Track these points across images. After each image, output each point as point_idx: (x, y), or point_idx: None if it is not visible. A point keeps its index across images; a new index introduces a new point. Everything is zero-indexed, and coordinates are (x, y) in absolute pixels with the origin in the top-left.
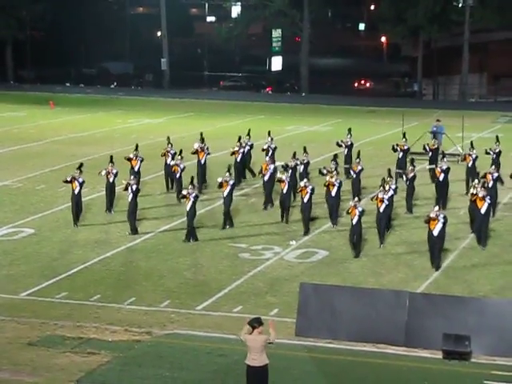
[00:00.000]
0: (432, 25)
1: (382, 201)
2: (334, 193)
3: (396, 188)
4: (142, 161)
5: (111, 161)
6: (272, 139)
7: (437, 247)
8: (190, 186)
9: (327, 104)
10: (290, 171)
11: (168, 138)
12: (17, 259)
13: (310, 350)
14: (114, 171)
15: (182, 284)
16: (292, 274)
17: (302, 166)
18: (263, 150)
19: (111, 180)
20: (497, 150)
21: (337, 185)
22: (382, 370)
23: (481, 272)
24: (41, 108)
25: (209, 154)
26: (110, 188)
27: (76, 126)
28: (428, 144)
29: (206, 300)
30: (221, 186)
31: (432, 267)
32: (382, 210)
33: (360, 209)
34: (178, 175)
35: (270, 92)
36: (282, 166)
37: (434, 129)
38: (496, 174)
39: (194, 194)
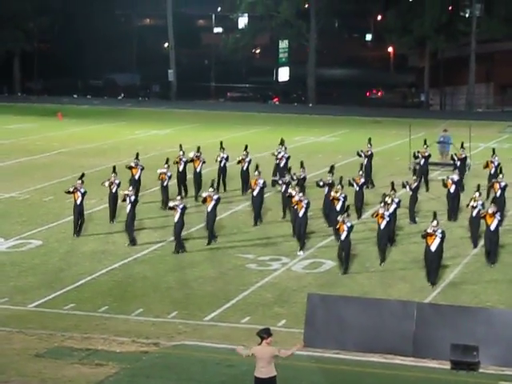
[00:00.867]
0: (439, 35)
1: (382, 217)
2: (338, 207)
3: (399, 201)
4: (142, 169)
5: (114, 171)
6: (286, 148)
7: (434, 263)
8: (178, 198)
9: (334, 115)
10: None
11: (180, 145)
12: (24, 271)
13: (317, 360)
14: (117, 181)
15: (190, 295)
16: (299, 285)
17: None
18: (277, 158)
19: (114, 190)
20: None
21: (341, 200)
22: (390, 380)
23: (488, 282)
24: (48, 120)
25: (204, 162)
26: (113, 198)
27: (83, 137)
28: (456, 154)
29: (213, 311)
30: (205, 201)
31: (428, 283)
32: (382, 226)
33: (348, 224)
34: (165, 183)
35: (276, 103)
36: (292, 179)
37: (442, 139)
38: (504, 183)
39: (181, 206)
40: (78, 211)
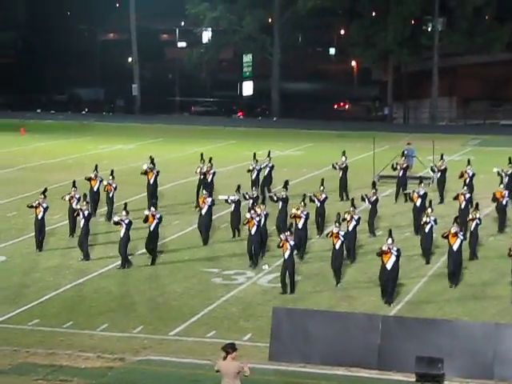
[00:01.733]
0: (402, 49)
1: (337, 237)
2: (300, 225)
3: (359, 218)
4: (101, 181)
5: (74, 185)
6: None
7: (390, 281)
8: (124, 213)
9: (298, 128)
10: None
11: (150, 157)
12: None
13: (283, 374)
14: (77, 196)
15: (155, 309)
16: (265, 299)
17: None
18: (248, 170)
19: (74, 204)
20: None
21: (304, 217)
22: None
23: (452, 295)
24: (11, 135)
25: (157, 175)
26: (73, 213)
27: (47, 152)
28: (436, 165)
29: (179, 325)
30: (146, 220)
31: (384, 303)
32: (337, 246)
33: (292, 242)
34: (111, 194)
35: (241, 117)
36: (245, 198)
37: (405, 152)
38: (468, 195)
39: (127, 221)
40: (39, 225)
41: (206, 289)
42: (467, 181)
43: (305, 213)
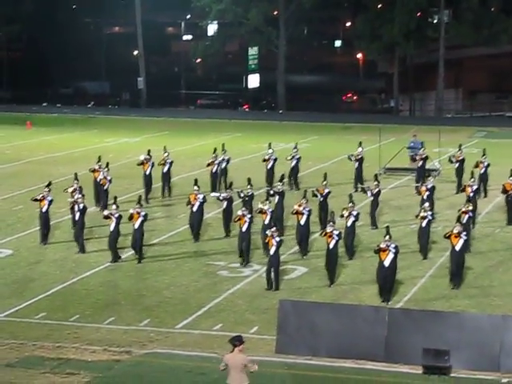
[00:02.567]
0: (407, 41)
1: (331, 236)
2: (302, 222)
3: (358, 214)
4: (107, 172)
5: (76, 178)
6: (273, 151)
7: (388, 279)
8: (114, 207)
9: (304, 121)
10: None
11: (164, 147)
12: None
13: (290, 366)
14: (80, 188)
15: (162, 303)
16: (271, 291)
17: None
18: (264, 160)
19: (76, 197)
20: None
21: (306, 213)
22: None
23: (459, 287)
24: (17, 128)
25: (153, 166)
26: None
27: (53, 146)
28: (454, 156)
29: (185, 318)
30: (131, 218)
31: (381, 301)
32: (331, 246)
33: (277, 239)
34: (105, 187)
35: (247, 110)
36: (268, 193)
37: (412, 144)
38: (475, 187)
39: (117, 215)
40: (44, 219)
41: (212, 282)
42: (482, 171)
43: (307, 209)
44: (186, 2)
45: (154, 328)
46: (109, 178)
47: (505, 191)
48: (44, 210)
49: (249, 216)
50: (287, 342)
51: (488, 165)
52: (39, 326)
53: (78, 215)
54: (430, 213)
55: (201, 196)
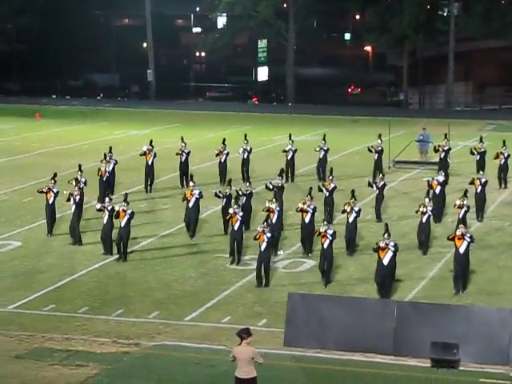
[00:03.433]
0: (417, 34)
1: (324, 236)
2: (307, 219)
3: (359, 210)
4: (115, 164)
5: (80, 169)
6: (292, 142)
7: (387, 278)
8: (107, 199)
9: (313, 114)
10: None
11: (182, 138)
12: (3, 272)
13: (298, 359)
14: (83, 180)
15: (171, 295)
16: (280, 284)
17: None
18: (284, 151)
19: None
20: (506, 155)
21: (310, 211)
22: (371, 379)
23: (468, 280)
24: (27, 120)
25: (155, 156)
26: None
27: (62, 138)
28: (475, 148)
29: (194, 311)
30: (118, 215)
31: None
32: (325, 246)
33: (268, 235)
34: (104, 178)
35: (256, 102)
36: (267, 187)
37: (421, 137)
38: (484, 179)
39: (110, 208)
40: (50, 211)
41: (221, 274)
42: (502, 162)
43: (312, 207)
44: None
45: (162, 320)
46: (109, 169)
47: None
48: (50, 202)
49: (240, 214)
50: (296, 335)
51: (508, 155)
52: (48, 317)
53: (73, 208)
54: (429, 208)
55: (197, 192)
